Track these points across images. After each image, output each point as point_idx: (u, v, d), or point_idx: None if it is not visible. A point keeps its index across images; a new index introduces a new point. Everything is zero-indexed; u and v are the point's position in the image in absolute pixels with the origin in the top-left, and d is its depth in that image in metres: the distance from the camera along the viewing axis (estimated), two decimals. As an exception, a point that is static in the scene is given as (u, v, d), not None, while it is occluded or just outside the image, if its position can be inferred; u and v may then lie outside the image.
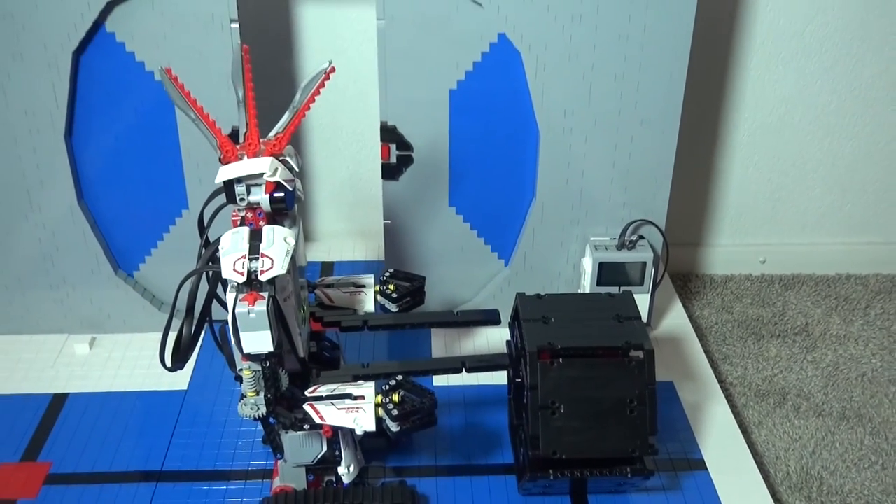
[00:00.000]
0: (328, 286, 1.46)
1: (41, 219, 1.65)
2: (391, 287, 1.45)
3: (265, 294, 1.10)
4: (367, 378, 1.29)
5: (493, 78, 1.57)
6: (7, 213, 1.64)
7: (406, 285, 1.46)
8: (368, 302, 1.46)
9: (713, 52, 1.92)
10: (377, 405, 1.21)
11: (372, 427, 1.19)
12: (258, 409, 1.21)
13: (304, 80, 1.20)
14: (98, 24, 1.50)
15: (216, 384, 1.61)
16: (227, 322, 1.15)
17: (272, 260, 1.11)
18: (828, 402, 1.72)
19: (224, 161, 1.16)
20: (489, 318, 1.48)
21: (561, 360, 1.32)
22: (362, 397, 1.22)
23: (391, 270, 1.48)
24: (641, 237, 1.70)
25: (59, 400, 1.59)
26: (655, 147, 1.63)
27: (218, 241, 1.16)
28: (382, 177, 1.64)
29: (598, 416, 1.31)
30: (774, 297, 2.08)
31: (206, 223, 1.25)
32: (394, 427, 1.21)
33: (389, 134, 1.60)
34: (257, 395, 1.20)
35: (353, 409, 1.20)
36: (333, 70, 1.18)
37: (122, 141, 1.61)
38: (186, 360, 1.21)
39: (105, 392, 1.61)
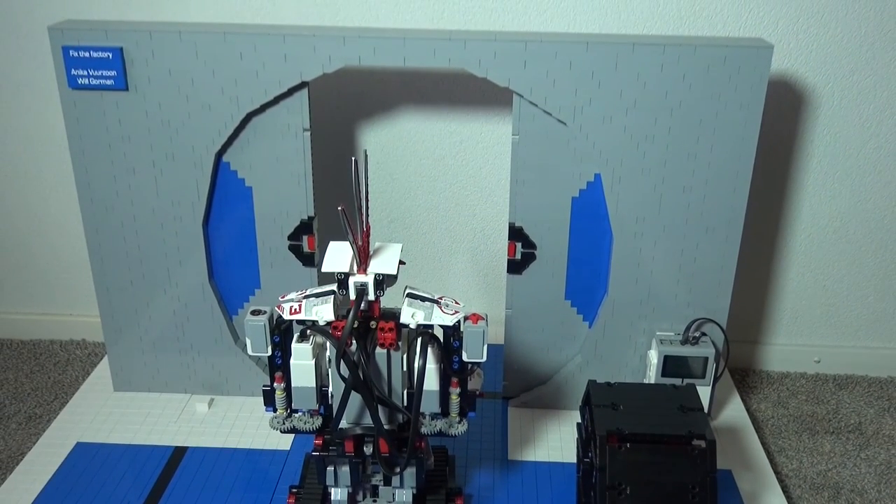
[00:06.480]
0: None
1: (177, 293, 1.78)
2: None
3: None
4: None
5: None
6: (149, 287, 1.77)
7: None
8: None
9: (774, 169, 1.95)
10: None
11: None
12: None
13: (361, 175, 1.22)
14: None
15: (315, 446, 1.71)
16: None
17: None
18: (881, 499, 1.71)
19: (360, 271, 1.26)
20: None
21: (628, 445, 1.36)
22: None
23: None
24: (704, 334, 1.74)
25: (179, 452, 1.69)
26: (719, 252, 1.68)
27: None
28: (508, 271, 1.74)
29: (662, 500, 1.33)
30: (828, 396, 2.07)
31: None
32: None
33: (516, 234, 1.72)
34: None
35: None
36: (367, 156, 1.26)
37: (242, 229, 1.73)
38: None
39: (219, 448, 1.71)
